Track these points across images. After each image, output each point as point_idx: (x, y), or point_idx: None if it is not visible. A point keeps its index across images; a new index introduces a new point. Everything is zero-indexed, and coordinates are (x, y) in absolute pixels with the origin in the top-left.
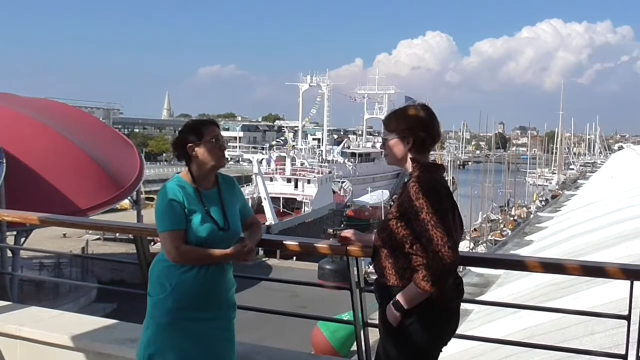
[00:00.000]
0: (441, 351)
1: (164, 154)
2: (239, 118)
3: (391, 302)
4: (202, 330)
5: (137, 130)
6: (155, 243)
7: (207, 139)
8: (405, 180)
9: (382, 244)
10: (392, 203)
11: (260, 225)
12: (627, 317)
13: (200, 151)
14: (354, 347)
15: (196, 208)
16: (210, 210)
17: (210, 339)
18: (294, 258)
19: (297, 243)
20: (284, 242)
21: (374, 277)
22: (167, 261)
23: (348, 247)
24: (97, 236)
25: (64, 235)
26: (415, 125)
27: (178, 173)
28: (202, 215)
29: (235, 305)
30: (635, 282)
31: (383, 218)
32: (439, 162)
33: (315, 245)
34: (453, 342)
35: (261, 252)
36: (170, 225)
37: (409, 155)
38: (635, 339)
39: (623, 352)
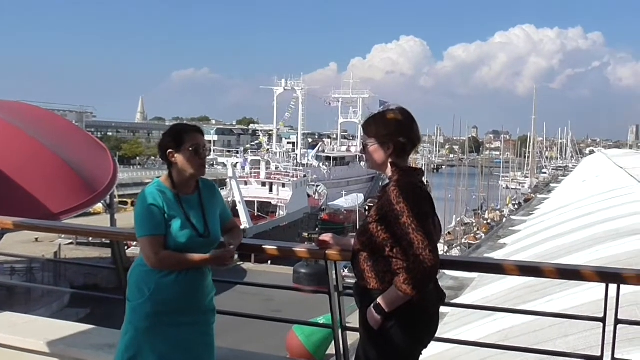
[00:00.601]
0: (421, 354)
1: (138, 158)
2: (213, 121)
3: (372, 305)
4: (182, 335)
5: (110, 133)
6: (129, 247)
7: (187, 147)
8: (384, 184)
9: (362, 248)
10: (367, 207)
11: (240, 230)
12: (603, 320)
13: (179, 158)
14: (330, 351)
15: (176, 213)
16: (190, 216)
17: (190, 344)
18: (269, 262)
19: (276, 247)
20: (263, 246)
21: (349, 280)
22: (146, 266)
23: (327, 251)
24: (70, 241)
25: (36, 239)
26: (395, 131)
27: (158, 177)
28: (182, 221)
29: (214, 310)
30: (610, 285)
31: (359, 222)
32: (414, 166)
33: (294, 249)
34: (429, 344)
35: (236, 256)
36: (150, 230)
37: (389, 160)
38: (611, 340)
39: (598, 353)
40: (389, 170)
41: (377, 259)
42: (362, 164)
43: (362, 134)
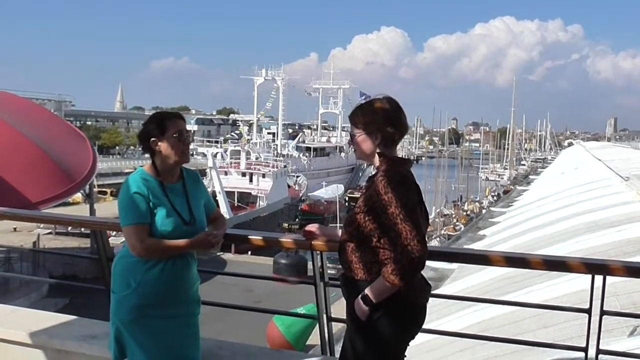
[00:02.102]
0: (408, 345)
1: (117, 147)
2: (193, 111)
3: (360, 296)
4: (167, 327)
5: (89, 122)
6: (108, 237)
7: (170, 133)
8: (372, 174)
9: (349, 238)
10: (347, 197)
11: (225, 219)
12: (588, 311)
13: (163, 146)
14: (310, 341)
15: (161, 202)
16: (175, 204)
17: (175, 336)
18: (249, 252)
19: (261, 238)
20: (249, 236)
21: (331, 271)
22: (132, 257)
23: (312, 242)
24: (49, 230)
25: (14, 229)
26: (382, 120)
27: (141, 167)
28: (167, 209)
29: (199, 301)
30: (596, 276)
31: (340, 212)
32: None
33: (280, 240)
34: (416, 336)
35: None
36: (135, 219)
37: (377, 150)
38: (595, 331)
39: (580, 344)
40: (376, 160)
41: (365, 250)
42: (342, 154)
43: (350, 125)
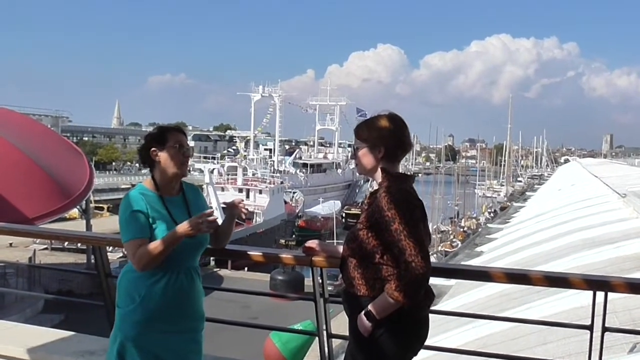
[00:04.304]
0: None
1: (114, 163)
2: (190, 127)
3: (363, 312)
4: (171, 342)
5: (86, 138)
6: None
7: (170, 144)
8: (373, 190)
9: (351, 254)
10: (344, 214)
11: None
12: (590, 327)
13: (162, 156)
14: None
15: (160, 215)
16: (175, 216)
17: (179, 352)
18: (246, 268)
19: (261, 253)
20: (248, 252)
21: (330, 287)
22: (136, 272)
23: (313, 258)
24: (45, 246)
25: (10, 244)
26: (386, 135)
27: (141, 182)
28: (167, 222)
29: (204, 317)
30: (597, 293)
31: (336, 229)
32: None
33: (280, 255)
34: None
35: (212, 263)
36: (135, 234)
37: (380, 166)
38: (598, 347)
39: None
40: (378, 176)
41: (367, 266)
42: (339, 171)
43: (354, 139)
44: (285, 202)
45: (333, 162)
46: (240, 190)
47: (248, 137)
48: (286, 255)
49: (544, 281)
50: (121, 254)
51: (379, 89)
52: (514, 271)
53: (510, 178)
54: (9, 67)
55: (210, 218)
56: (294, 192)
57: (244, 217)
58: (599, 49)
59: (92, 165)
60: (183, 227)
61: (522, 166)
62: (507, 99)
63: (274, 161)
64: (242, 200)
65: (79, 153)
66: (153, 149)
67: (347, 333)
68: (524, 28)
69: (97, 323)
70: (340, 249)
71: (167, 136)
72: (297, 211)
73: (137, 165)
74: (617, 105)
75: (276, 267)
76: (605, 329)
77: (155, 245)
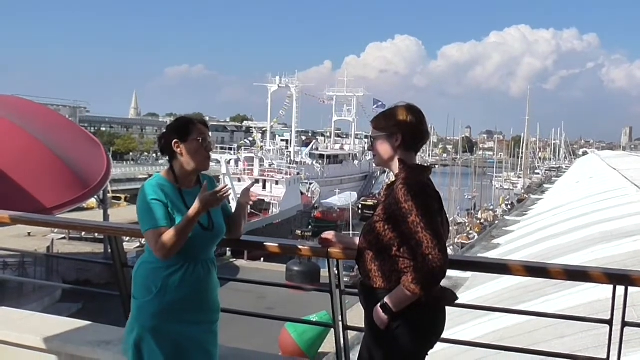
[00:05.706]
0: (427, 354)
1: (131, 153)
2: (207, 118)
3: (379, 304)
4: (188, 333)
5: (103, 128)
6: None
7: (194, 137)
8: (390, 181)
9: (368, 246)
10: (360, 205)
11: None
12: (609, 322)
13: (185, 149)
14: (322, 349)
15: (178, 207)
16: None
17: (194, 343)
18: (262, 259)
19: (277, 245)
20: (265, 243)
21: (346, 279)
22: (153, 263)
23: (329, 249)
24: (63, 235)
25: (29, 234)
26: (403, 123)
27: (158, 172)
28: (184, 215)
29: (219, 308)
30: (617, 287)
31: (353, 220)
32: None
33: (297, 247)
34: (435, 344)
35: (229, 253)
36: (155, 223)
37: (397, 156)
38: (617, 342)
39: (600, 355)
40: (395, 167)
41: (384, 258)
42: (356, 162)
43: (372, 130)
44: (302, 193)
45: (350, 154)
46: (257, 181)
47: (265, 128)
48: (303, 247)
49: (563, 275)
50: (138, 244)
51: (396, 80)
52: (533, 264)
53: (527, 170)
54: (27, 57)
55: (220, 194)
56: (310, 183)
57: (251, 203)
58: (620, 40)
59: (110, 156)
60: (194, 207)
61: (540, 158)
62: (525, 91)
63: (290, 152)
64: (253, 184)
65: (97, 143)
66: (175, 140)
67: (362, 325)
68: (544, 19)
69: (114, 312)
70: (357, 240)
71: (190, 128)
72: (313, 202)
73: (154, 155)
74: (637, 97)
75: (292, 258)
76: (625, 324)
77: (173, 233)
